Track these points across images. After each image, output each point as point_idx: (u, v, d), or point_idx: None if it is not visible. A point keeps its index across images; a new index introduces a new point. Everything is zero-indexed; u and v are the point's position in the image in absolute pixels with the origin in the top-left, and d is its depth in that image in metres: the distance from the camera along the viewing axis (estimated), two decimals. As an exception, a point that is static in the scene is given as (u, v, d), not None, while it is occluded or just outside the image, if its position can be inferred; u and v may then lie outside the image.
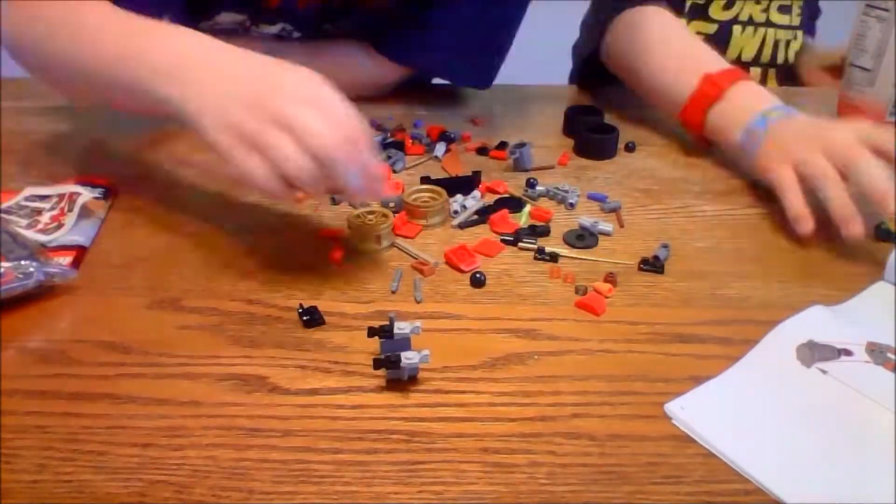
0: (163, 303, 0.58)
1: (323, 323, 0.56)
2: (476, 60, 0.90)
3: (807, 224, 0.64)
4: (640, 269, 0.63)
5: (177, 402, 0.49)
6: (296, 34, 0.90)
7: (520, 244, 0.65)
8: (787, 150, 0.69)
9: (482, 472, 0.44)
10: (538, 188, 0.75)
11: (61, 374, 0.51)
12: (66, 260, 0.61)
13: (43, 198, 0.68)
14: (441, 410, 0.48)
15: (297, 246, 0.66)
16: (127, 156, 0.81)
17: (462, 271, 0.62)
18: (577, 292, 0.59)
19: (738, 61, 1.10)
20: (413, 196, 0.70)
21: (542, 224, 0.69)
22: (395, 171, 0.78)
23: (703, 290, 0.60)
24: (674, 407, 0.49)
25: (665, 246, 0.62)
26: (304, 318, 0.56)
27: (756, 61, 1.11)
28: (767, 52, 1.10)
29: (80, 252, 0.63)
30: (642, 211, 0.73)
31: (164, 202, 0.73)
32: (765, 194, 0.75)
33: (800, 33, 1.12)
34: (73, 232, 0.65)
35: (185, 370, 0.51)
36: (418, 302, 0.57)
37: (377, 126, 0.89)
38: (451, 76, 0.94)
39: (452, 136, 0.86)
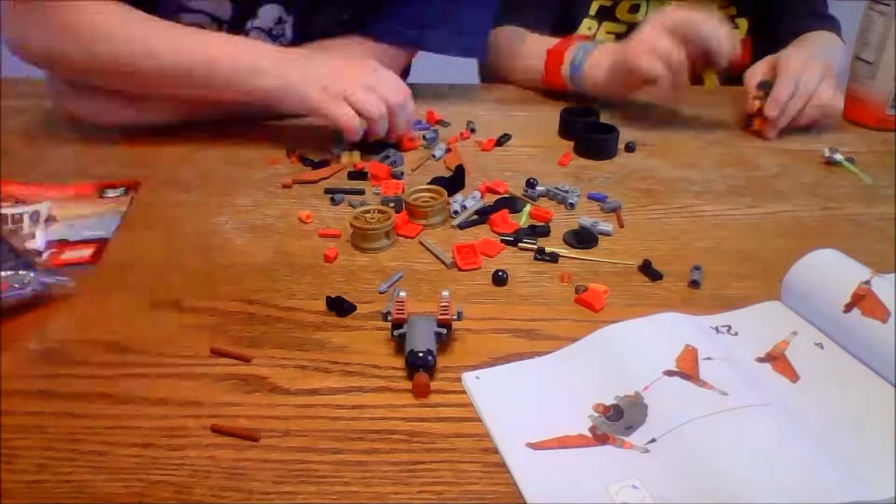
0: (163, 303, 0.58)
1: (354, 309, 0.57)
2: (465, 29, 0.94)
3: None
4: (639, 269, 0.63)
5: (177, 402, 0.49)
6: (288, 25, 0.92)
7: (520, 244, 0.65)
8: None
9: (482, 472, 0.44)
10: (538, 188, 0.75)
11: (61, 374, 0.51)
12: (87, 252, 0.64)
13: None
14: (441, 410, 0.48)
15: (296, 246, 0.66)
16: (126, 157, 0.81)
17: (460, 269, 0.62)
18: (576, 291, 0.59)
19: None
20: (413, 196, 0.70)
21: (542, 224, 0.69)
22: (395, 175, 0.78)
23: (703, 290, 0.60)
24: (469, 377, 0.50)
25: (697, 268, 0.62)
26: (335, 308, 0.57)
27: None
28: None
29: (101, 244, 0.65)
30: (642, 211, 0.73)
31: (164, 202, 0.73)
32: (764, 194, 0.75)
33: (741, 20, 1.11)
34: (95, 225, 0.67)
35: (185, 370, 0.51)
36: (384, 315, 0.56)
37: None
38: (445, 48, 0.95)
39: (449, 123, 0.91)
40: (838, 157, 0.82)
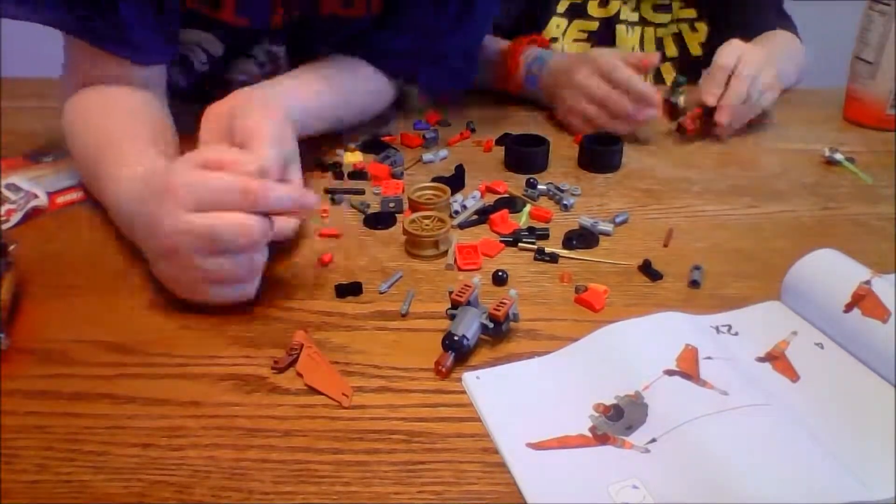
0: (163, 303, 0.58)
1: (360, 292, 0.59)
2: (456, 64, 0.91)
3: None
4: (639, 269, 0.63)
5: (177, 402, 0.49)
6: (281, 56, 0.90)
7: (519, 244, 0.65)
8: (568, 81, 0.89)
9: (482, 472, 0.44)
10: (538, 187, 0.75)
11: (61, 374, 0.51)
12: (76, 195, 0.72)
13: (17, 189, 0.71)
14: (441, 410, 0.48)
15: (297, 246, 0.66)
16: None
17: (459, 269, 0.62)
18: (576, 291, 0.59)
19: None
20: (417, 193, 0.71)
21: (542, 227, 0.69)
22: (395, 174, 0.78)
23: (703, 290, 0.60)
24: (469, 377, 0.50)
25: (697, 268, 0.62)
26: (346, 293, 0.59)
27: None
28: (651, 48, 1.11)
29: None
30: (642, 211, 0.73)
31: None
32: (764, 194, 0.75)
33: (700, 24, 1.11)
34: (54, 182, 0.74)
35: (185, 370, 0.51)
36: (403, 315, 0.57)
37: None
38: (438, 84, 0.94)
39: (449, 123, 0.91)
40: (838, 157, 0.82)
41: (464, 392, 0.49)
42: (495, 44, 1.00)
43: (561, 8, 1.07)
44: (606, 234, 0.68)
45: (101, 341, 0.54)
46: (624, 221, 0.70)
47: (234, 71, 0.90)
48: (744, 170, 0.81)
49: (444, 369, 0.50)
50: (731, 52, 0.87)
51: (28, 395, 0.49)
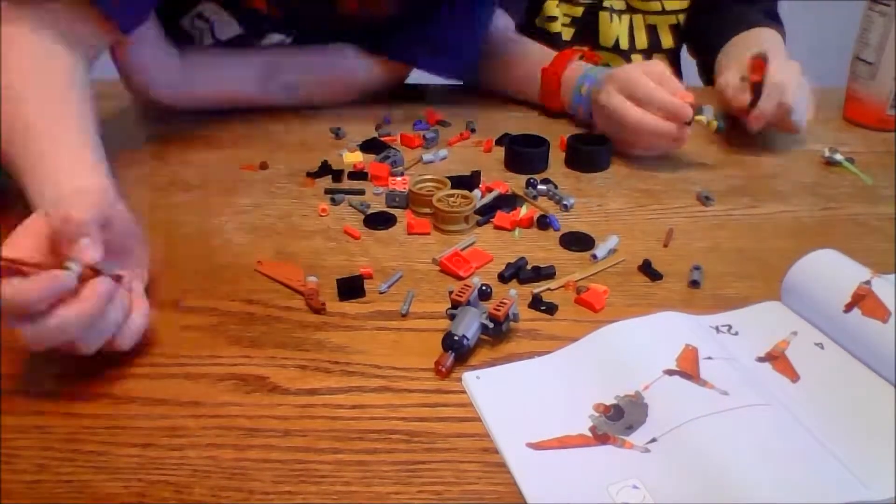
0: (163, 303, 0.58)
1: (363, 294, 0.59)
2: (456, 54, 0.93)
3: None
4: (639, 269, 0.63)
5: (177, 402, 0.49)
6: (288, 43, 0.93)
7: (518, 280, 0.62)
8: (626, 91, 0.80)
9: (482, 472, 0.44)
10: (539, 188, 0.74)
11: (61, 374, 0.51)
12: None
13: None
14: (441, 410, 0.48)
15: (297, 246, 0.66)
16: (125, 158, 0.81)
17: (461, 277, 0.62)
18: (577, 291, 0.59)
19: (616, 49, 1.09)
20: (418, 186, 0.72)
21: (547, 265, 0.62)
22: (395, 174, 0.78)
23: (703, 290, 0.60)
24: (469, 377, 0.50)
25: (697, 268, 0.62)
26: (348, 291, 0.59)
27: (633, 48, 1.10)
28: (642, 37, 1.10)
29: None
30: (642, 211, 0.73)
31: (163, 202, 0.73)
32: (764, 194, 0.75)
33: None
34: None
35: (185, 370, 0.51)
36: (403, 315, 0.57)
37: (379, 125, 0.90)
38: (436, 70, 0.95)
39: (449, 123, 0.92)
40: (838, 157, 0.82)
41: (464, 392, 0.49)
42: (536, 55, 0.95)
43: None
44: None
45: (101, 341, 0.54)
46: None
47: None
48: (744, 170, 0.82)
49: (444, 369, 0.50)
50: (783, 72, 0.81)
51: (28, 395, 0.49)
